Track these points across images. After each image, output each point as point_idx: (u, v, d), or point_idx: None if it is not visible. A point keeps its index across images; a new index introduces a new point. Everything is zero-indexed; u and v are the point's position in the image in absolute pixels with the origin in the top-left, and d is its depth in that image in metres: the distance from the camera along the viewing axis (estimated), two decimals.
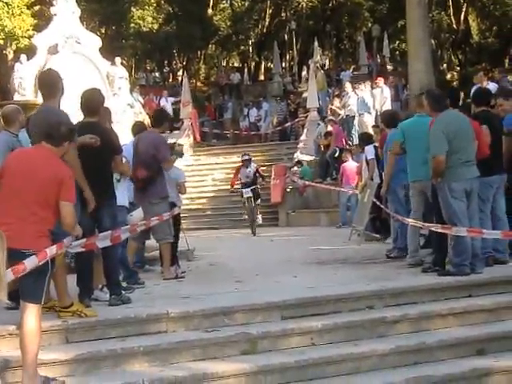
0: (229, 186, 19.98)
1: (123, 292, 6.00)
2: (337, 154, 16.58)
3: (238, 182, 15.10)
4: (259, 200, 14.80)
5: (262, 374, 4.95)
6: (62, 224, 4.73)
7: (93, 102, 6.08)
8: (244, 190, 14.31)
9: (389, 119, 9.00)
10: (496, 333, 5.70)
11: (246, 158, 15.07)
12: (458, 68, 34.08)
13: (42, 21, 24.01)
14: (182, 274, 7.63)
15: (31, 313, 4.47)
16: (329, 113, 19.78)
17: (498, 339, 5.66)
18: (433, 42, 28.09)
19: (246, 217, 14.73)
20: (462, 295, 6.24)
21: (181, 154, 8.25)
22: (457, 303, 6.04)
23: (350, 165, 14.67)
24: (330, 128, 17.72)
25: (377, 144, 10.06)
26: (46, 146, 4.81)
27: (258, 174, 14.76)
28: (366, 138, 11.45)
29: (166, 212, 7.26)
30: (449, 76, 30.72)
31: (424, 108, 7.23)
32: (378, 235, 10.69)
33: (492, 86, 13.63)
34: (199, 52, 37.27)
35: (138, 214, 6.97)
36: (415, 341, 5.48)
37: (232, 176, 15.90)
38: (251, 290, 6.47)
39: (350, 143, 17.68)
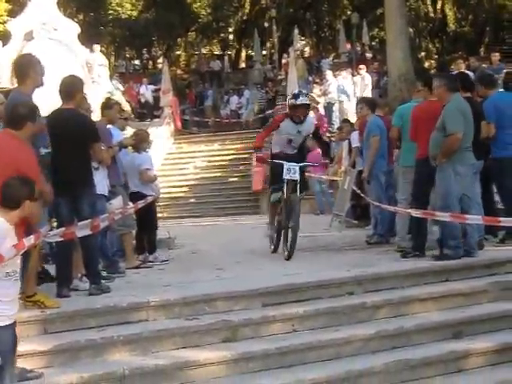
0: (212, 174, 19.62)
1: (103, 281, 5.99)
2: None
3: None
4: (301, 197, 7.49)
5: (243, 361, 4.97)
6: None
7: (71, 87, 6.01)
8: (287, 166, 7.38)
9: (368, 106, 9.02)
10: (472, 316, 5.78)
11: (304, 100, 7.60)
12: (436, 56, 34.18)
13: (17, 6, 23.63)
14: (149, 264, 7.63)
15: None
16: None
17: (474, 322, 5.74)
18: (411, 30, 28.09)
19: (269, 221, 8.36)
20: (439, 280, 6.30)
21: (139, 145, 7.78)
22: (435, 288, 6.11)
23: (314, 153, 14.69)
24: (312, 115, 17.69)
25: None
26: (9, 131, 4.74)
27: (317, 137, 8.83)
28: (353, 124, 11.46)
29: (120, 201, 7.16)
30: (427, 64, 30.82)
31: (421, 93, 7.28)
32: (356, 221, 10.74)
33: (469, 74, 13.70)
34: (179, 39, 36.98)
35: (117, 202, 6.92)
36: (394, 325, 5.52)
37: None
38: (232, 277, 6.47)
39: (331, 129, 17.71)
